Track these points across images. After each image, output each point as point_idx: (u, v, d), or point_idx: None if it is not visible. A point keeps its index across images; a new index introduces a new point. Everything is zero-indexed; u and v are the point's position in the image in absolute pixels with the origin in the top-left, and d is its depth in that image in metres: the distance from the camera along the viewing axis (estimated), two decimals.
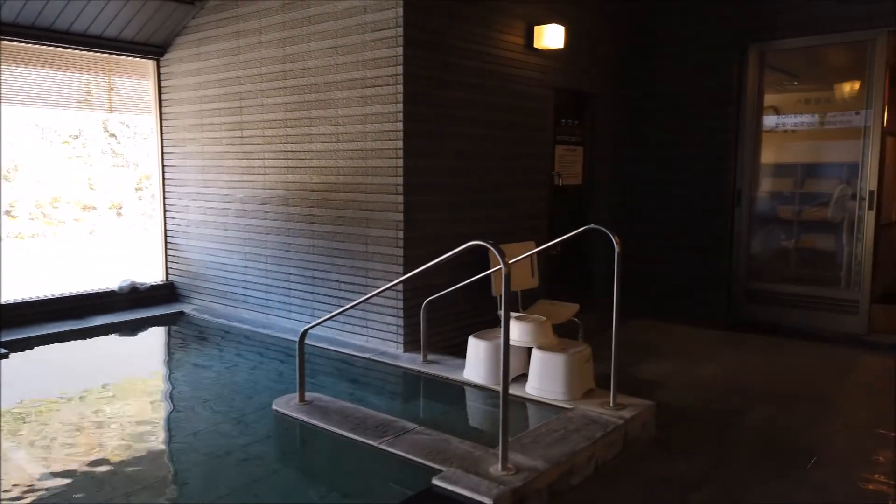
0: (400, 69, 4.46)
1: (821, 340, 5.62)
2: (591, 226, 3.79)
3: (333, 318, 4.96)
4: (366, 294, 3.85)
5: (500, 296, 4.83)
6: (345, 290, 4.96)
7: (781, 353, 5.35)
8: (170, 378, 4.61)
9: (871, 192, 5.43)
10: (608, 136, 6.52)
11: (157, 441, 3.50)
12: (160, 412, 3.95)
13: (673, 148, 6.26)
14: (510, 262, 4.48)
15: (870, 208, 5.43)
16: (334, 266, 5.04)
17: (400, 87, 4.47)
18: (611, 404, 3.56)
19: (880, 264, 8.33)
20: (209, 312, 5.95)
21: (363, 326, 4.88)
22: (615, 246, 3.58)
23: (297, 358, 3.61)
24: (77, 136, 9.23)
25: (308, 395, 3.69)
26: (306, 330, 3.64)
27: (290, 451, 3.46)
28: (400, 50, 4.45)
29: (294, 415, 3.53)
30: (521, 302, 5.17)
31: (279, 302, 5.49)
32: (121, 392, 4.28)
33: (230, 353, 4.98)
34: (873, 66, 5.42)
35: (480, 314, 5.05)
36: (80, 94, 6.10)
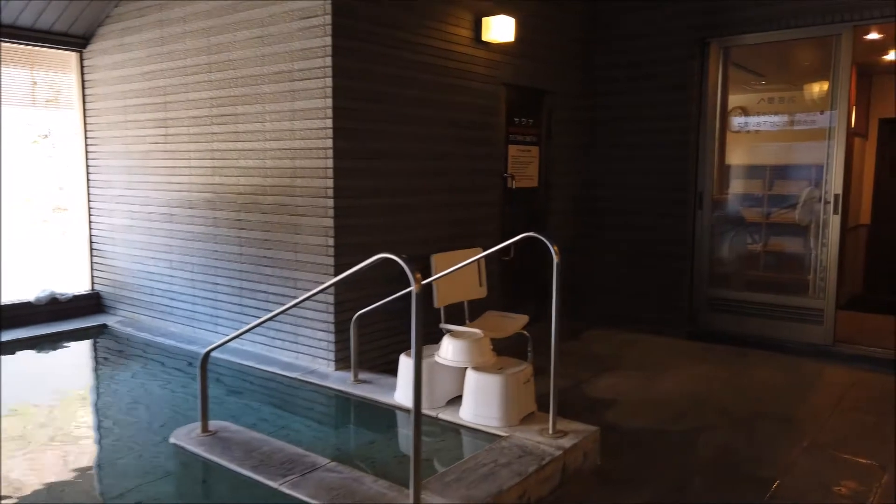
0: (329, 61, 4.07)
1: (786, 351, 5.34)
2: (530, 234, 3.43)
3: (262, 334, 4.57)
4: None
5: (444, 308, 4.48)
6: (273, 303, 4.55)
7: (744, 365, 5.05)
8: (73, 403, 4.16)
9: (837, 196, 5.16)
10: (565, 136, 6.19)
11: (37, 481, 3.06)
12: (55, 444, 3.51)
13: (633, 148, 5.95)
14: (450, 270, 4.14)
15: (835, 212, 5.16)
16: (263, 276, 4.62)
17: (329, 81, 4.07)
18: (550, 431, 3.21)
19: (848, 270, 8.17)
20: (134, 325, 5.49)
21: (293, 342, 4.47)
22: (553, 256, 3.22)
23: (199, 382, 3.20)
24: None
25: (214, 425, 3.28)
26: (209, 351, 3.23)
27: (184, 494, 3.03)
28: (329, 40, 4.06)
29: (193, 448, 3.11)
30: (469, 313, 4.81)
31: (206, 315, 5.06)
32: (13, 421, 3.82)
33: (148, 374, 4.54)
34: (838, 64, 5.15)
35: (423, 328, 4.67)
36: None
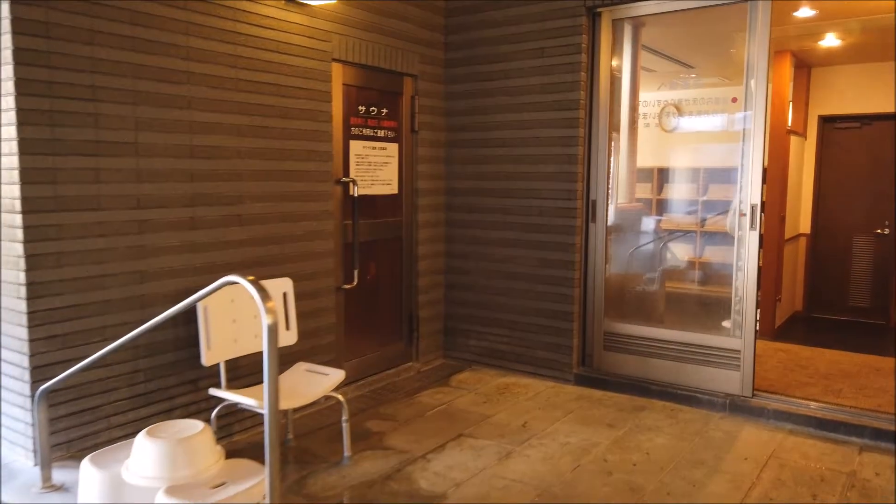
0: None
1: (695, 403, 4.23)
2: (229, 278, 2.20)
3: None
4: None
5: (225, 364, 3.16)
6: None
7: (637, 427, 3.92)
8: None
9: (754, 207, 4.06)
10: (434, 131, 5.00)
11: None
12: None
13: (514, 146, 4.79)
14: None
15: (751, 227, 4.07)
16: None
17: (8, 40, 2.79)
18: None
19: (787, 286, 7.18)
20: None
21: None
22: (264, 315, 2.01)
23: None
24: None
25: None
26: None
27: None
28: None
29: None
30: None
31: None
32: None
33: None
34: (753, 46, 4.05)
35: (185, 391, 3.43)
36: None
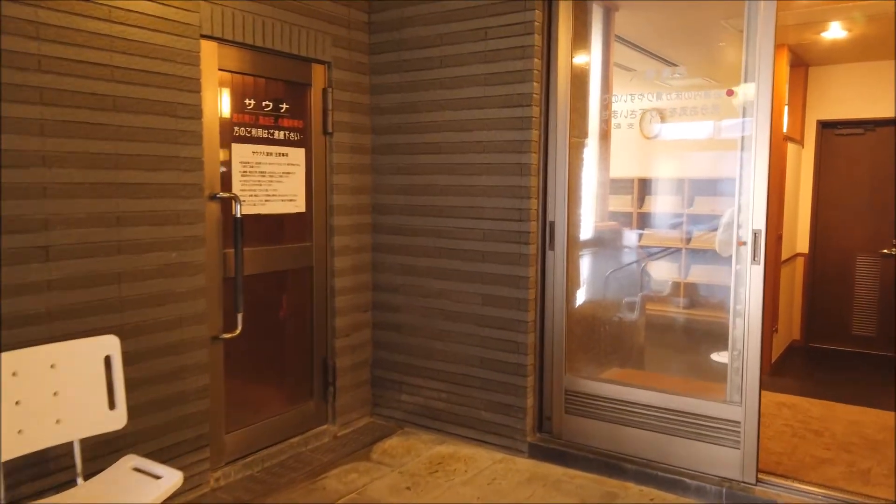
0: None
1: (680, 489, 3.24)
2: None
3: None
4: None
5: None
6: None
7: None
8: None
9: (757, 234, 3.08)
10: (354, 133, 3.99)
11: None
12: None
13: (451, 153, 3.78)
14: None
15: (754, 259, 3.08)
16: None
17: None
18: None
19: (783, 312, 6.22)
20: None
21: None
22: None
23: None
24: None
25: None
26: None
27: None
28: None
29: None
30: (84, 459, 2.53)
31: None
32: None
33: None
34: (755, 33, 3.08)
35: None
36: None
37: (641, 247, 4.71)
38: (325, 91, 3.80)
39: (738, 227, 3.12)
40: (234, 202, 3.32)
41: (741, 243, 3.10)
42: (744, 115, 3.11)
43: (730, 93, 3.27)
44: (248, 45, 3.35)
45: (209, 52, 3.18)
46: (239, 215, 3.31)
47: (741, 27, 3.12)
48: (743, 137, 3.12)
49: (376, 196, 4.10)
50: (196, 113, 3.10)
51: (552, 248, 3.62)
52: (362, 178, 4.06)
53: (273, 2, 3.42)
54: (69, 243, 2.66)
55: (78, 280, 2.69)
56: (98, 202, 2.74)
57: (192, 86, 3.07)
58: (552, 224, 3.61)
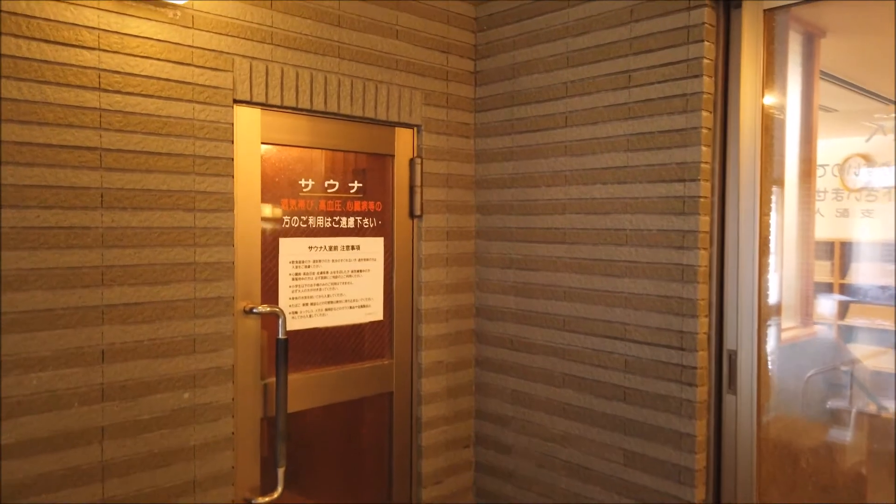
0: None
1: None
2: None
3: None
4: None
5: None
6: None
7: None
8: None
9: None
10: (452, 215, 3.04)
11: None
12: None
13: (579, 242, 2.70)
14: None
15: None
16: None
17: None
18: None
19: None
20: None
21: None
22: None
23: None
24: None
25: None
26: None
27: None
28: None
29: None
30: None
31: None
32: None
33: None
34: None
35: None
36: None
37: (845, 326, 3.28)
38: (412, 162, 2.92)
39: None
40: (279, 317, 2.48)
41: None
42: None
43: None
44: (305, 110, 2.56)
45: (248, 122, 2.41)
46: (283, 335, 2.47)
47: None
48: None
49: (481, 296, 3.11)
50: (224, 203, 2.32)
51: (732, 390, 2.38)
52: (462, 272, 3.10)
53: (339, 51, 2.61)
54: (26, 394, 1.92)
55: (39, 443, 1.94)
56: (73, 333, 2.00)
57: (220, 168, 2.30)
58: (733, 355, 2.38)
